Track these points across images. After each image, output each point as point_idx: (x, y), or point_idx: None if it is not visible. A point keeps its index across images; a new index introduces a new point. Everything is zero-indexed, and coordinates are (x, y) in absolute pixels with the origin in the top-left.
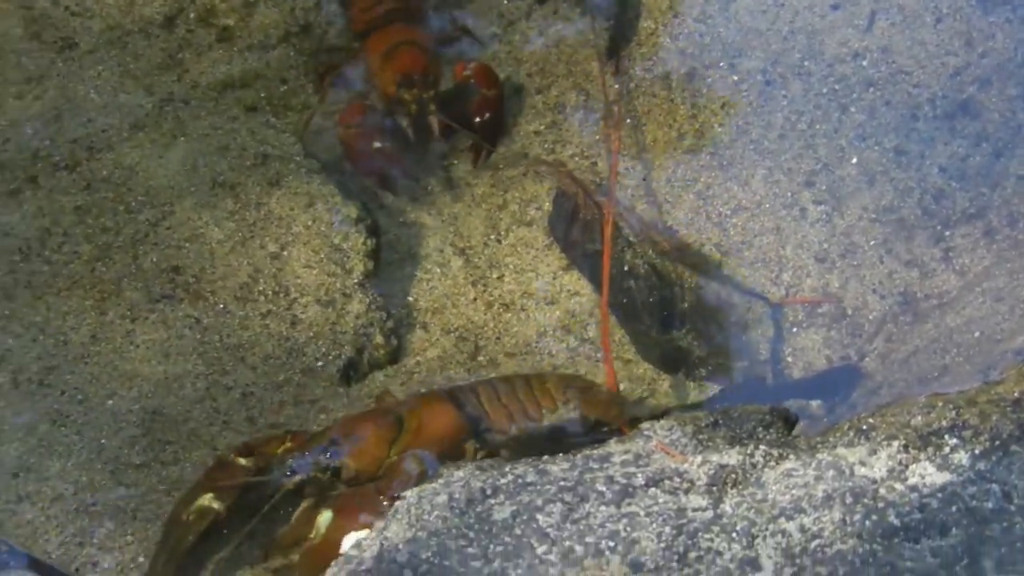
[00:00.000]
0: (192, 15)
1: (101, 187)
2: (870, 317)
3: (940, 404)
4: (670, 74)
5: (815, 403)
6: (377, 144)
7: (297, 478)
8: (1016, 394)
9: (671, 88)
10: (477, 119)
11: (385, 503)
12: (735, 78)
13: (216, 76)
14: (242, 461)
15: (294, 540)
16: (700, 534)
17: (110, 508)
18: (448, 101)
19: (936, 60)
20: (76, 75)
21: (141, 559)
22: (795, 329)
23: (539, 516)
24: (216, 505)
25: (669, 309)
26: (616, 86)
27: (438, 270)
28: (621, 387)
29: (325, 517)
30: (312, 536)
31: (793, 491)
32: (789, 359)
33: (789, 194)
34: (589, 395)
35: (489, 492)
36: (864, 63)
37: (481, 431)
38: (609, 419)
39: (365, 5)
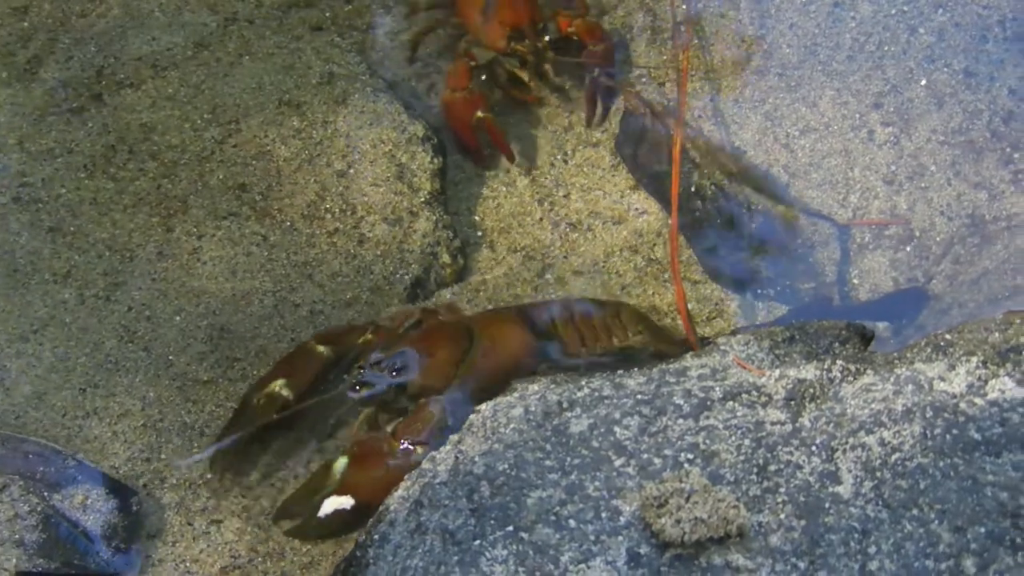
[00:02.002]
0: None
1: (167, 105)
2: (938, 239)
3: (1018, 321)
4: None
5: (882, 325)
6: (480, 113)
7: (362, 394)
8: None
9: (739, 8)
10: (590, 74)
11: (400, 450)
12: None
13: None
14: (321, 349)
15: (311, 491)
16: (779, 447)
17: (177, 424)
18: (560, 52)
19: None
20: None
21: (208, 476)
22: (862, 251)
23: (616, 429)
24: (286, 392)
25: (736, 230)
26: (684, 6)
27: (504, 189)
28: (690, 307)
29: (341, 464)
30: (328, 485)
31: (872, 405)
32: (856, 281)
33: (857, 116)
34: (660, 333)
35: (566, 405)
36: None
37: (551, 353)
38: (676, 356)
39: None
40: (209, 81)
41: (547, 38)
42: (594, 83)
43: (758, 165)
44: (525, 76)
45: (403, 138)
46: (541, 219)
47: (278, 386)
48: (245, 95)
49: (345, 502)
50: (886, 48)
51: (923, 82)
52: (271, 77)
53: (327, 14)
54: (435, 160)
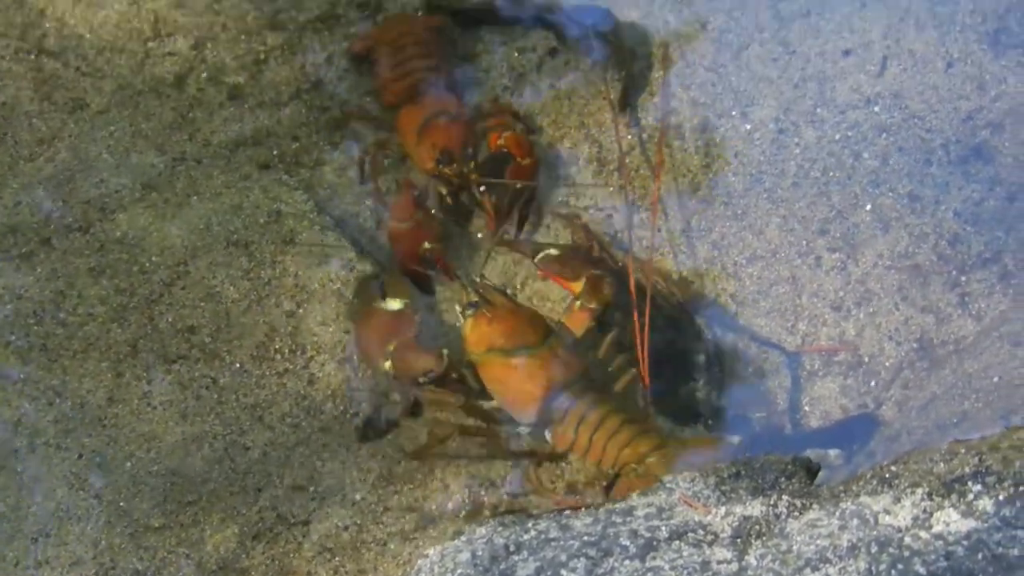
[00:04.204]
0: (203, 74)
1: (115, 248)
2: (887, 364)
3: (962, 451)
4: (683, 124)
5: (833, 452)
6: (427, 245)
7: None
8: None
9: (684, 138)
10: (511, 188)
11: None
12: (747, 127)
13: (228, 135)
14: None
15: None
16: None
17: (129, 571)
18: (485, 171)
19: (948, 105)
20: (88, 136)
21: None
22: (812, 378)
23: (563, 572)
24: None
25: (686, 361)
26: (629, 137)
27: (456, 324)
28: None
29: None
30: None
31: (818, 541)
32: (807, 408)
33: (804, 242)
34: None
35: (512, 548)
36: (877, 109)
37: None
38: None
39: (393, 76)
40: (157, 223)
41: (473, 163)
42: (513, 196)
43: (707, 294)
44: (445, 196)
45: (352, 276)
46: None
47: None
48: (193, 236)
49: None
50: (831, 174)
51: (868, 207)
52: (219, 217)
53: (274, 152)
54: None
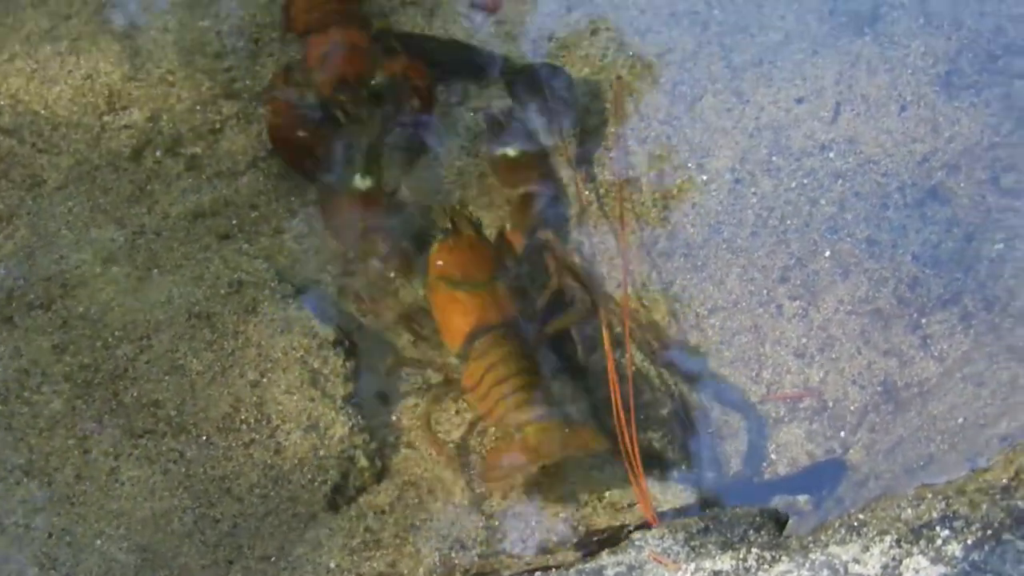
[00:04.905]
0: (159, 146)
1: (77, 324)
2: (852, 409)
3: (929, 495)
4: (640, 177)
5: (802, 498)
6: (301, 134)
7: None
8: (1004, 481)
9: (641, 191)
10: (408, 113)
11: None
12: (704, 178)
13: (186, 206)
14: None
15: None
16: None
17: None
18: (381, 95)
19: (903, 148)
20: (46, 212)
21: None
22: (778, 425)
23: None
24: None
25: (650, 413)
26: (586, 192)
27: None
28: (607, 494)
29: None
30: None
31: None
32: (773, 456)
33: (764, 291)
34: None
35: None
36: (832, 155)
37: None
38: None
39: (305, 6)
40: (119, 297)
41: (365, 92)
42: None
43: (669, 346)
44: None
45: (314, 343)
46: (457, 413)
47: None
48: (155, 309)
49: None
50: (789, 222)
51: (827, 253)
52: (180, 289)
53: (233, 222)
54: (347, 363)
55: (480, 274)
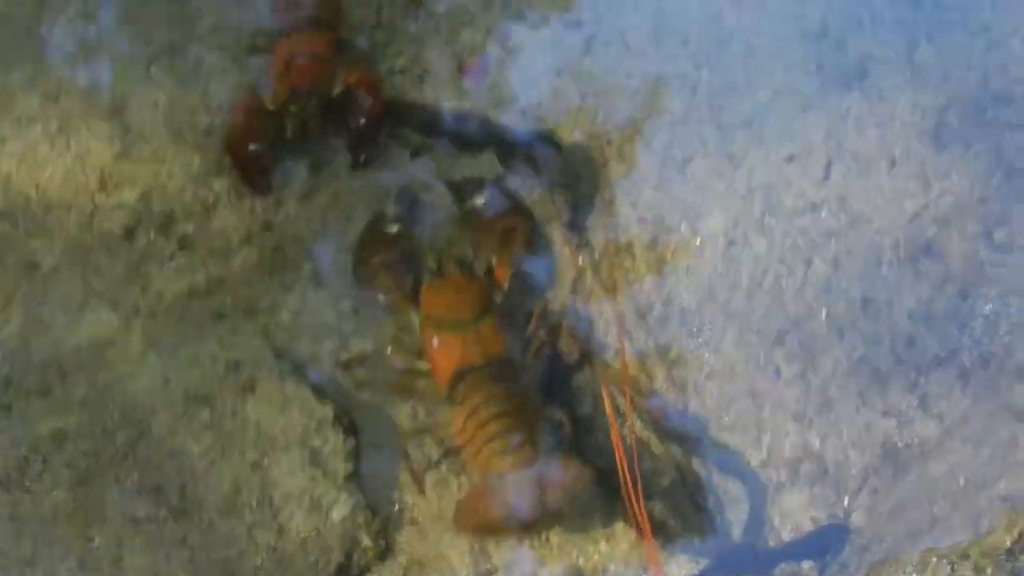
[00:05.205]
0: (151, 225)
1: (76, 410)
2: (852, 472)
3: (934, 559)
4: (633, 243)
5: (807, 564)
6: (254, 146)
7: None
8: (1008, 543)
9: (635, 257)
10: (354, 124)
11: None
12: (697, 241)
13: (180, 285)
14: None
15: None
16: None
17: None
18: (332, 108)
19: (894, 204)
20: (41, 296)
21: None
22: (780, 490)
23: None
24: None
25: (652, 482)
26: (580, 259)
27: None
28: (612, 568)
29: None
30: None
31: None
32: (776, 522)
33: (761, 354)
34: None
35: None
36: (824, 214)
37: None
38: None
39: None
40: (117, 381)
41: (315, 104)
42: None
43: (668, 414)
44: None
45: (314, 422)
46: (460, 489)
47: None
48: (153, 392)
49: None
50: (783, 283)
51: (823, 314)
52: (177, 371)
53: (227, 300)
54: (348, 441)
55: (466, 314)
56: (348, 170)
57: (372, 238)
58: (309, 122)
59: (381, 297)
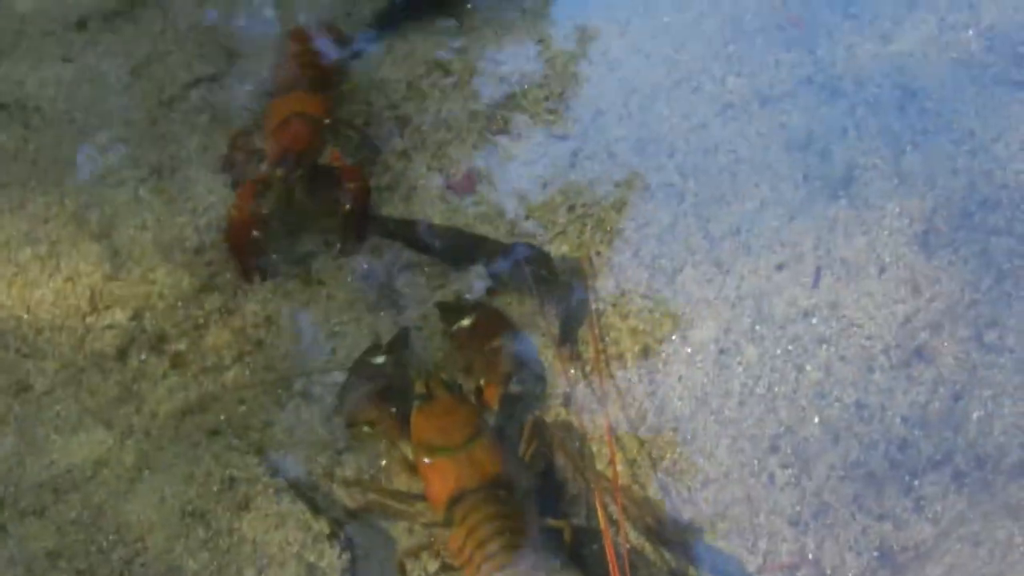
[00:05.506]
0: (143, 345)
1: (71, 530)
2: (850, 575)
3: None
4: (624, 353)
5: None
6: (255, 234)
7: None
8: None
9: (627, 367)
10: (342, 210)
11: None
12: (688, 350)
13: (174, 404)
14: None
15: None
16: None
17: None
18: (318, 181)
19: (885, 310)
20: (34, 417)
21: None
22: None
23: None
24: None
25: None
26: (572, 370)
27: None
28: None
29: None
30: None
31: None
32: None
33: (755, 461)
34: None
35: None
36: (815, 321)
37: None
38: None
39: (278, 65)
40: (111, 500)
41: (300, 173)
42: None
43: (663, 522)
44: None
45: (309, 537)
46: None
47: None
48: (148, 511)
49: None
50: (776, 389)
51: (816, 420)
52: (172, 489)
53: (222, 417)
54: (343, 556)
55: (458, 438)
56: (338, 282)
57: (359, 372)
58: (295, 191)
59: (367, 429)
